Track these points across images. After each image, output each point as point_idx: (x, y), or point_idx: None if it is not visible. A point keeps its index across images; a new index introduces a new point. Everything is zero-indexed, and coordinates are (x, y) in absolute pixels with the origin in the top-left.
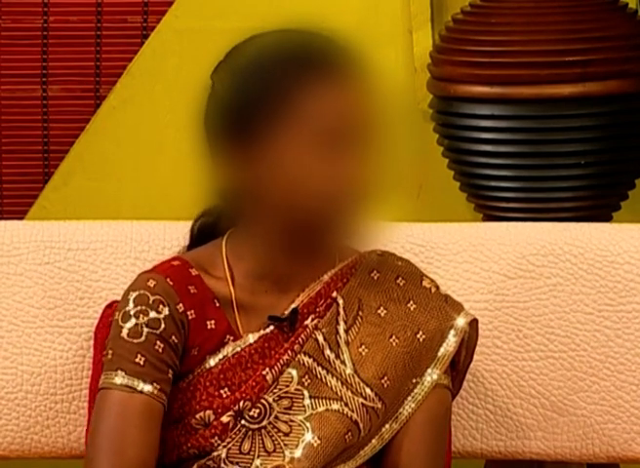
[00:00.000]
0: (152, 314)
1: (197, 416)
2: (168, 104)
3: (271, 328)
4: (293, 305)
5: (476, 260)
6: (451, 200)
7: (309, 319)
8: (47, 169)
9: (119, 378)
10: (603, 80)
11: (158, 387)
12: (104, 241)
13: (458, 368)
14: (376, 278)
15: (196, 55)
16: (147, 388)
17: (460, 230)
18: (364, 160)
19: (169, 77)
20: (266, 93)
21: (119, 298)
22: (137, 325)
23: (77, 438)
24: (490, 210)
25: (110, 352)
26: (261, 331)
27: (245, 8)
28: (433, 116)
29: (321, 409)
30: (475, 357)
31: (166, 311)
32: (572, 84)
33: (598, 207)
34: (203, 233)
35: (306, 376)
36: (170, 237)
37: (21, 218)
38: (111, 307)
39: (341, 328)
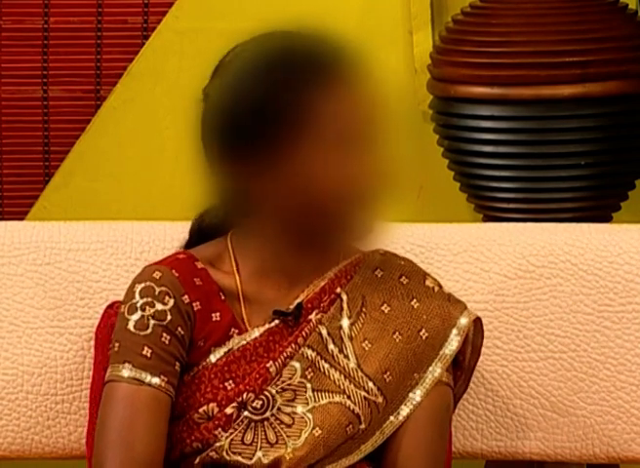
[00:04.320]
0: (158, 306)
1: (201, 410)
2: (168, 105)
3: (276, 322)
4: (297, 300)
5: (476, 261)
6: (451, 201)
7: (313, 313)
8: (47, 169)
9: (126, 371)
10: (603, 81)
11: (165, 379)
12: (105, 241)
13: (463, 366)
14: (379, 276)
15: (197, 55)
16: (155, 380)
17: (460, 231)
18: (376, 156)
19: (169, 78)
20: (277, 100)
21: (120, 299)
22: (143, 317)
23: (78, 438)
24: (490, 210)
25: (117, 345)
26: (267, 325)
27: (245, 8)
28: (433, 117)
29: (323, 401)
30: None
31: (172, 302)
32: (572, 85)
33: (598, 207)
34: (202, 233)
35: (309, 369)
36: (170, 238)
37: (22, 219)
38: (112, 307)
39: (345, 323)
